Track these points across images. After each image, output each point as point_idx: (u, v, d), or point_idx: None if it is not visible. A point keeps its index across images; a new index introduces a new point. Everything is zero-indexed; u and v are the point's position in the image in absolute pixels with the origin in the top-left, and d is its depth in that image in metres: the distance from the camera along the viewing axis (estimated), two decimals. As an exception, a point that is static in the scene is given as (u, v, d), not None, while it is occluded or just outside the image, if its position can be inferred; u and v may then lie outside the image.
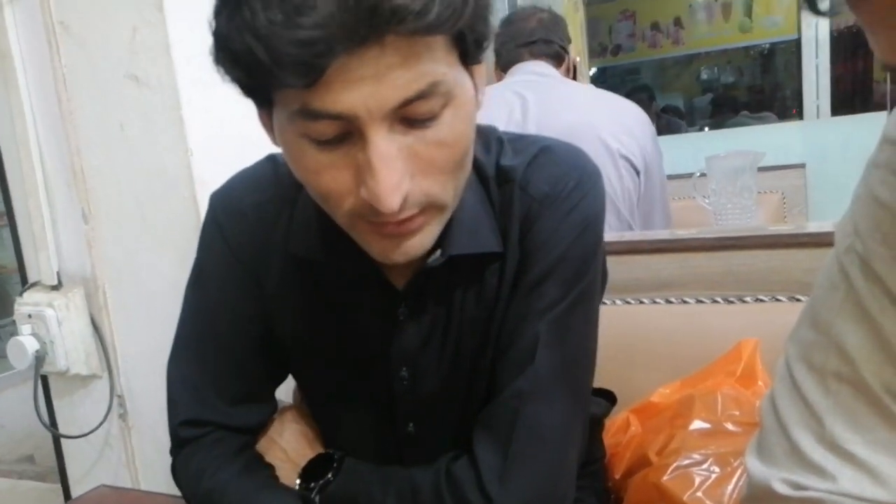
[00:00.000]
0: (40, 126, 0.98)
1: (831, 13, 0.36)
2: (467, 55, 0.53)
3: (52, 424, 1.07)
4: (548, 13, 1.58)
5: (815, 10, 0.35)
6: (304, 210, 0.65)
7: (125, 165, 0.97)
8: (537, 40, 1.51)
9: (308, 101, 0.48)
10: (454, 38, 0.51)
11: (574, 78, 1.59)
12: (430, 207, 0.54)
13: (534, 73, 1.49)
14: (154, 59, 0.93)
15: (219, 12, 0.48)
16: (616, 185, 1.39)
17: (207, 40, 1.04)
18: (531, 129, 1.36)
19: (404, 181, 0.50)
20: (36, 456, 1.41)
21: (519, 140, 0.67)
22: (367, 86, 0.47)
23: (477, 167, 0.63)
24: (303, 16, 0.43)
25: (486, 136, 0.67)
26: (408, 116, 0.49)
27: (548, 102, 1.40)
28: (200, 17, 0.97)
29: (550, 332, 0.62)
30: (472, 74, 0.55)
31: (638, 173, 1.42)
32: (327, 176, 0.52)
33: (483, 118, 0.60)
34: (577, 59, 1.63)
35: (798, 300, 0.97)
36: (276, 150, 0.71)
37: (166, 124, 0.94)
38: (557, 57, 1.53)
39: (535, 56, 1.52)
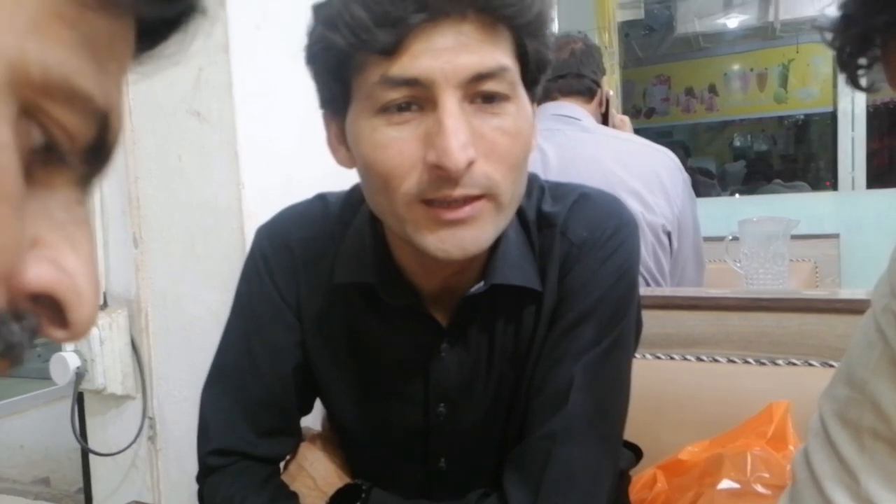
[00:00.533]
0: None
1: (872, 89, 0.39)
2: (527, 73, 0.59)
3: (84, 442, 1.09)
4: (582, 42, 1.50)
5: (857, 86, 0.37)
6: (353, 243, 0.68)
7: (179, 196, 1.01)
8: (567, 74, 1.43)
9: (388, 69, 0.53)
10: (519, 51, 0.57)
11: (606, 111, 1.52)
12: (489, 196, 0.57)
13: (559, 119, 1.40)
14: (216, 96, 0.98)
15: (319, 9, 0.56)
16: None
17: (265, 83, 1.09)
18: None
19: (470, 146, 0.54)
20: (52, 479, 1.43)
21: (558, 187, 0.70)
22: (444, 55, 0.53)
23: (519, 212, 0.66)
24: None
25: (529, 183, 0.70)
26: (477, 93, 0.55)
27: (569, 160, 1.33)
28: (261, 59, 1.04)
29: (585, 376, 0.63)
30: (531, 99, 0.60)
31: (670, 238, 1.36)
32: (395, 148, 0.55)
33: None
34: (611, 92, 1.55)
35: (831, 366, 0.96)
36: (325, 188, 0.75)
37: (222, 159, 0.99)
38: (590, 92, 1.45)
39: (565, 94, 1.44)
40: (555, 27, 2.84)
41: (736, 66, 4.45)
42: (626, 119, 1.66)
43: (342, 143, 0.61)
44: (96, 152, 0.24)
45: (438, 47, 0.53)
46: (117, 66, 0.24)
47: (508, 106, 0.56)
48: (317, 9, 0.57)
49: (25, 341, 0.22)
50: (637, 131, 1.73)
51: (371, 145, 0.57)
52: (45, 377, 1.08)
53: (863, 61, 0.37)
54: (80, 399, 1.07)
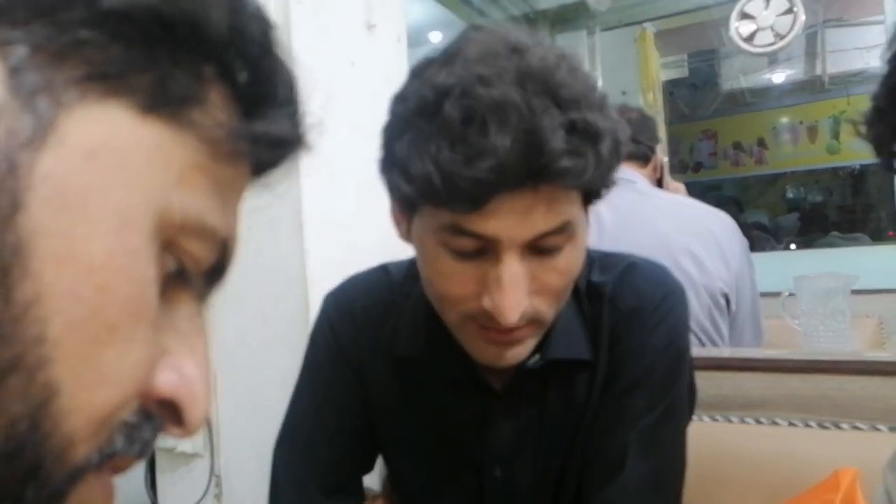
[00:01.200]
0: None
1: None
2: (590, 199, 0.61)
3: (154, 498, 1.13)
4: (637, 112, 1.55)
5: (893, 172, 0.40)
6: (412, 314, 0.71)
7: (250, 264, 1.07)
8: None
9: (460, 222, 0.55)
10: (587, 194, 0.59)
11: (661, 178, 1.54)
12: (534, 323, 0.60)
13: (616, 180, 1.43)
14: (283, 170, 1.05)
15: (398, 133, 0.57)
16: (694, 308, 1.28)
17: (328, 158, 1.15)
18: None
19: (525, 300, 0.56)
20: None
21: (607, 257, 0.73)
22: (513, 218, 0.54)
23: None
24: (482, 160, 0.51)
25: None
26: (537, 247, 0.57)
27: (624, 222, 1.34)
28: (324, 137, 1.11)
29: (640, 443, 0.65)
30: (587, 212, 0.63)
31: (728, 300, 1.34)
32: (456, 281, 0.58)
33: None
34: (665, 159, 1.57)
35: (898, 431, 0.94)
36: (385, 259, 0.79)
37: (288, 229, 1.05)
38: (645, 157, 1.49)
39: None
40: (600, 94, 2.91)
41: (785, 120, 4.42)
42: (682, 186, 1.68)
43: (406, 221, 0.64)
44: (216, 273, 0.28)
45: (508, 210, 0.54)
46: (237, 199, 0.28)
47: (566, 247, 0.58)
48: (392, 152, 0.58)
49: (153, 440, 0.25)
50: (686, 185, 1.73)
51: (434, 270, 0.60)
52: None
53: None
54: (151, 456, 1.12)
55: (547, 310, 0.60)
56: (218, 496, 1.09)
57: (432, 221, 0.57)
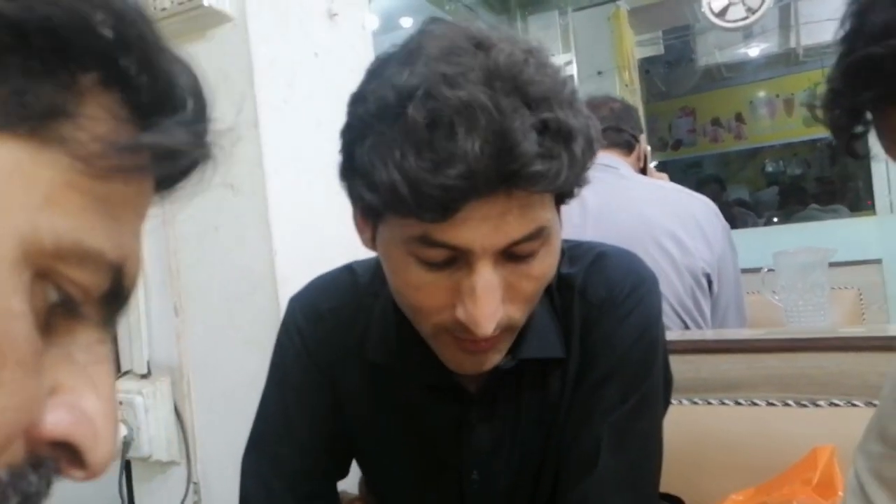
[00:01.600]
0: (145, 229, 1.09)
1: (868, 157, 0.39)
2: (563, 199, 0.60)
3: (132, 509, 1.11)
4: (620, 103, 1.57)
5: (854, 156, 0.38)
6: (381, 319, 0.69)
7: (216, 265, 1.05)
8: (607, 128, 1.47)
9: (430, 231, 0.52)
10: (560, 196, 0.58)
11: (645, 167, 1.55)
12: (508, 329, 0.59)
13: (598, 167, 1.44)
14: (248, 169, 1.03)
15: (358, 137, 0.54)
16: (676, 288, 1.30)
17: (294, 153, 1.13)
18: (589, 233, 1.30)
19: (499, 309, 0.55)
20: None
21: (576, 248, 0.71)
22: (486, 226, 0.52)
23: None
24: (451, 167, 0.48)
25: None
26: (511, 254, 0.54)
27: (606, 205, 1.35)
28: (289, 132, 1.08)
29: (613, 436, 0.64)
30: (560, 211, 0.61)
31: (710, 280, 1.35)
32: (427, 292, 0.56)
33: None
34: (648, 148, 1.59)
35: (875, 405, 0.93)
36: (354, 255, 0.77)
37: (255, 228, 1.03)
38: (628, 145, 1.50)
39: (604, 146, 1.47)
40: (574, 69, 2.88)
41: (761, 94, 4.43)
42: (665, 176, 1.70)
43: (370, 229, 0.61)
44: (112, 298, 0.25)
45: (480, 218, 0.51)
46: (134, 216, 0.26)
47: (540, 252, 0.57)
48: (352, 159, 0.55)
49: (43, 490, 0.23)
50: (665, 164, 1.76)
51: (403, 281, 0.57)
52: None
53: (858, 129, 0.38)
54: (127, 466, 1.10)
55: (520, 316, 0.59)
56: (197, 503, 1.07)
57: (399, 231, 0.55)
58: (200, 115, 0.27)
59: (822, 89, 0.37)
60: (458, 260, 0.54)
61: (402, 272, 0.57)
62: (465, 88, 0.49)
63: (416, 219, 0.52)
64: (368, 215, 0.59)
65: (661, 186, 1.49)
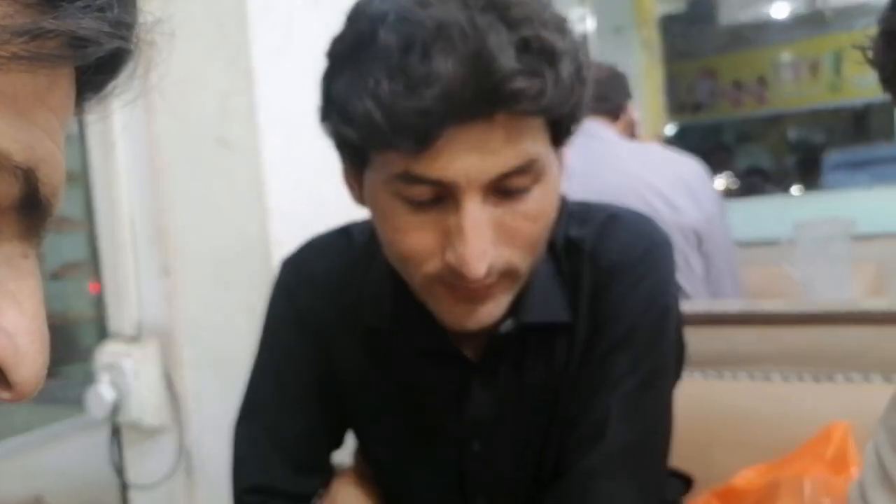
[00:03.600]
0: (133, 185, 1.06)
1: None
2: (559, 138, 0.56)
3: (121, 474, 1.10)
4: (608, 70, 1.56)
5: None
6: (377, 281, 0.67)
7: (207, 225, 1.02)
8: (593, 96, 1.48)
9: (411, 166, 0.50)
10: (553, 128, 0.54)
11: (633, 135, 1.55)
12: (507, 276, 0.56)
13: (584, 135, 1.45)
14: (241, 123, 0.98)
15: (335, 74, 0.52)
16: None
17: (290, 107, 1.08)
18: (575, 194, 1.31)
19: (490, 249, 0.52)
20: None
21: (586, 209, 0.68)
22: (471, 157, 0.49)
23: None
24: (427, 87, 0.46)
25: None
26: (501, 188, 0.52)
27: (592, 167, 1.35)
28: (285, 83, 1.03)
29: (622, 408, 0.61)
30: (559, 155, 0.58)
31: (700, 239, 1.35)
32: (414, 236, 0.54)
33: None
34: (636, 114, 1.59)
35: (893, 381, 0.90)
36: (352, 217, 0.74)
37: (247, 186, 0.99)
38: (615, 113, 1.50)
39: (590, 113, 1.49)
40: (591, 24, 2.79)
41: (786, 56, 4.29)
42: (655, 144, 1.74)
43: (358, 183, 0.59)
44: (29, 207, 0.23)
45: (464, 148, 0.49)
46: (48, 113, 0.23)
47: (534, 190, 0.54)
48: (330, 95, 0.54)
49: None
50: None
51: (390, 226, 0.55)
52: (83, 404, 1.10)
53: None
54: (117, 431, 1.09)
55: (520, 261, 0.55)
56: (188, 470, 1.06)
57: (383, 172, 0.53)
58: (119, 3, 0.24)
59: (874, 32, 0.33)
60: (446, 199, 0.52)
61: (388, 217, 0.55)
62: (439, 8, 0.47)
63: (394, 151, 0.49)
64: (353, 161, 0.57)
65: (649, 148, 1.50)
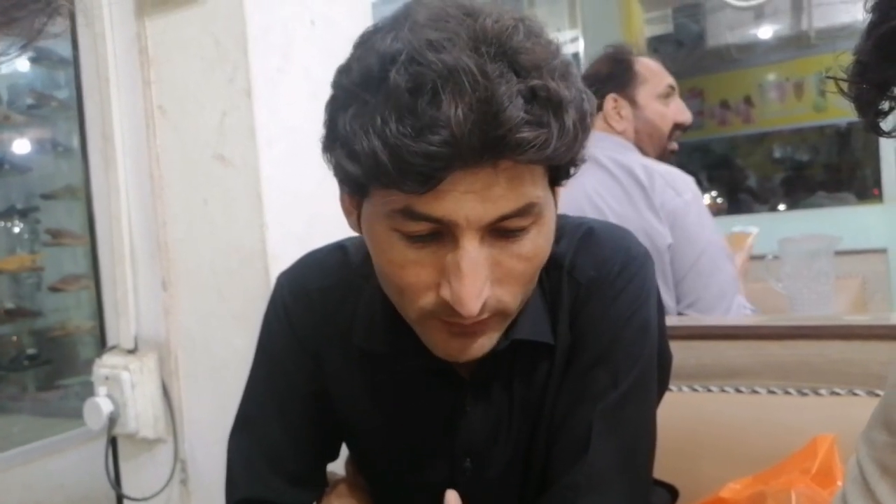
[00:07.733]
0: (133, 200, 1.07)
1: (893, 134, 0.37)
2: (558, 180, 0.57)
3: (117, 486, 1.10)
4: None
5: (878, 132, 0.36)
6: (370, 303, 0.67)
7: (205, 239, 1.03)
8: None
9: (413, 204, 0.50)
10: (552, 173, 0.55)
11: None
12: (499, 314, 0.56)
13: (585, 157, 1.44)
14: (240, 140, 1.00)
15: (341, 107, 0.52)
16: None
17: (288, 125, 1.10)
18: None
19: (486, 288, 0.52)
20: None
21: (564, 224, 0.67)
22: (472, 199, 0.50)
23: None
24: (433, 133, 0.46)
25: None
26: (499, 229, 0.52)
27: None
28: (283, 102, 1.05)
29: (604, 422, 0.61)
30: (554, 194, 0.58)
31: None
32: (411, 271, 0.54)
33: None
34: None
35: (876, 395, 0.92)
36: (348, 233, 0.75)
37: (245, 201, 1.00)
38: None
39: None
40: (580, 46, 2.82)
41: (771, 77, 4.35)
42: None
43: (356, 210, 0.59)
44: None
45: (465, 190, 0.49)
46: None
47: (531, 231, 0.54)
48: (335, 129, 0.52)
49: None
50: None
51: (387, 259, 0.55)
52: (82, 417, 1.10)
53: (883, 106, 0.35)
54: (114, 442, 1.09)
55: (512, 300, 0.56)
56: (184, 481, 1.06)
57: (382, 206, 0.53)
58: None
59: (847, 62, 0.34)
60: (444, 235, 0.52)
61: (386, 250, 0.55)
62: (451, 53, 0.47)
63: (398, 190, 0.49)
64: (354, 192, 0.57)
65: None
